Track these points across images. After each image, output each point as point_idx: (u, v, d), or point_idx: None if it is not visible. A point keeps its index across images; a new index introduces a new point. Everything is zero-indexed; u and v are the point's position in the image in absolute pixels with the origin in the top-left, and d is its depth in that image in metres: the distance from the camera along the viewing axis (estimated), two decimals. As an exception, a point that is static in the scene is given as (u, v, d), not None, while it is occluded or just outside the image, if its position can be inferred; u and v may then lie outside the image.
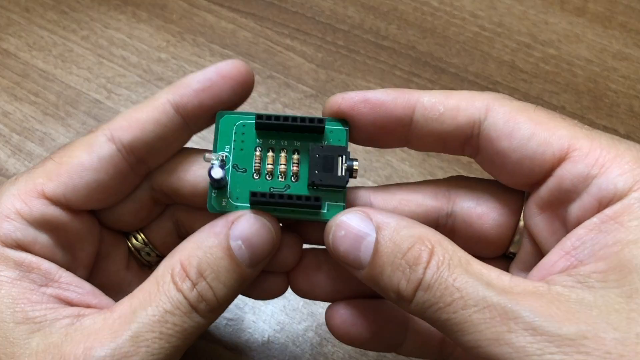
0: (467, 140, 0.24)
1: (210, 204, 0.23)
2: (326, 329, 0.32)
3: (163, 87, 0.41)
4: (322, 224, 0.23)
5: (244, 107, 0.40)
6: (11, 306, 0.21)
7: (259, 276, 0.26)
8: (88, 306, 0.23)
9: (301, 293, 0.27)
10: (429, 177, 0.38)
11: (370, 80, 0.43)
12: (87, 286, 0.24)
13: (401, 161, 0.39)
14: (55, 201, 0.23)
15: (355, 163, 0.24)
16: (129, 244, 0.28)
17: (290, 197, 0.22)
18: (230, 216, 0.23)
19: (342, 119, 0.24)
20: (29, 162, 0.37)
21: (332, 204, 0.24)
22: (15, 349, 0.21)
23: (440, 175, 0.38)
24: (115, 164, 0.24)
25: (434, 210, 0.25)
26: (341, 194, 0.24)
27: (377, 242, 0.21)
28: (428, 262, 0.20)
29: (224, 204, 0.23)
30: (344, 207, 0.24)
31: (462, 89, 0.43)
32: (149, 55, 0.43)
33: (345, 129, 0.24)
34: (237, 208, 0.23)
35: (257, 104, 0.41)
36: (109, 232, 0.27)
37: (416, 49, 0.45)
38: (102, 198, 0.24)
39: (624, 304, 0.18)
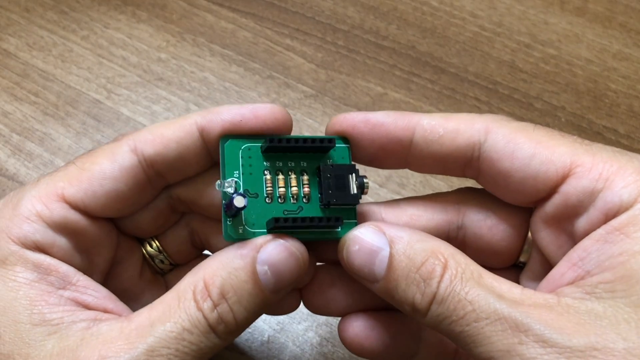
0: (467, 163, 0.24)
1: (227, 233, 0.23)
2: (326, 329, 0.32)
3: (163, 87, 0.41)
4: (335, 242, 0.24)
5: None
6: (29, 308, 0.21)
7: None
8: (105, 310, 0.23)
9: (315, 309, 0.27)
10: (429, 178, 0.38)
11: (370, 81, 0.43)
12: (103, 291, 0.24)
13: (401, 161, 0.39)
14: (74, 206, 0.23)
15: (365, 180, 0.24)
16: (144, 251, 0.28)
17: (312, 219, 0.22)
18: (260, 240, 0.22)
19: (343, 137, 0.25)
20: (29, 162, 0.37)
21: (345, 221, 0.24)
22: (31, 350, 0.21)
23: (440, 177, 0.38)
24: (135, 175, 0.24)
25: (444, 223, 0.25)
26: (352, 210, 0.24)
27: (391, 256, 0.21)
28: (442, 276, 0.20)
29: (240, 231, 0.23)
30: (356, 224, 0.24)
31: (462, 89, 0.43)
32: (149, 55, 0.43)
33: (347, 146, 0.25)
34: (254, 235, 0.23)
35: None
36: (125, 238, 0.27)
37: (416, 49, 0.45)
38: (119, 207, 0.24)
39: (632, 313, 0.18)
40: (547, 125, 0.41)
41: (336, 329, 0.32)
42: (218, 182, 0.23)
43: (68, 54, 0.42)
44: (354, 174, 0.24)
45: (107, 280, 0.26)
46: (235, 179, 0.23)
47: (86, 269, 0.24)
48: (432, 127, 0.24)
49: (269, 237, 0.22)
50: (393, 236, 0.22)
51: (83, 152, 0.38)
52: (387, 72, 0.43)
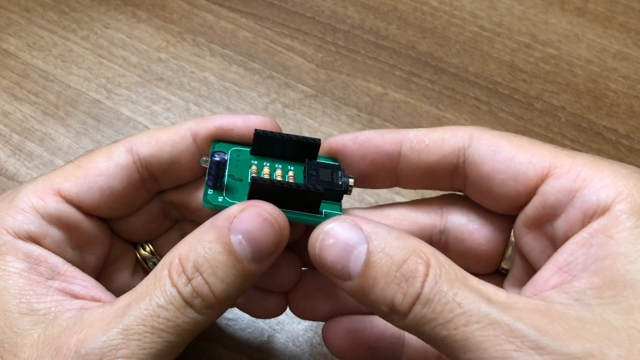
0: (454, 170, 0.24)
1: (206, 199, 0.23)
2: (326, 329, 0.32)
3: (163, 87, 0.41)
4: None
5: (244, 107, 0.40)
6: (17, 297, 0.22)
7: (258, 295, 0.27)
8: (93, 299, 0.23)
9: (300, 314, 0.27)
10: (429, 177, 0.38)
11: (370, 81, 0.43)
12: (91, 281, 0.24)
13: (401, 161, 0.39)
14: (69, 200, 0.24)
15: (351, 180, 0.24)
16: (137, 254, 0.28)
17: (290, 184, 0.22)
18: (232, 209, 0.22)
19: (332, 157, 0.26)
20: (29, 162, 0.37)
21: (329, 211, 0.24)
22: (19, 339, 0.21)
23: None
24: (129, 174, 0.24)
25: (427, 227, 0.26)
26: (337, 205, 0.24)
27: (369, 252, 0.20)
28: (426, 275, 0.19)
29: (220, 199, 0.23)
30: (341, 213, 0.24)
31: (462, 89, 0.43)
32: (149, 55, 0.43)
33: (337, 164, 0.25)
34: (233, 203, 0.23)
35: (257, 104, 0.41)
36: (118, 240, 0.27)
37: (416, 49, 0.45)
38: (112, 206, 0.25)
39: (622, 320, 0.18)
40: (547, 125, 0.41)
41: (336, 329, 0.32)
42: (203, 157, 0.23)
43: (68, 54, 0.42)
44: (339, 172, 0.24)
45: (99, 280, 0.26)
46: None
47: (77, 265, 0.24)
48: (418, 138, 0.25)
49: (242, 205, 0.22)
50: (370, 232, 0.21)
51: (83, 152, 0.38)
52: (387, 72, 0.43)
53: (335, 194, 0.24)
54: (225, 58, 0.43)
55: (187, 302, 0.21)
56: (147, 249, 0.28)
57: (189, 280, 0.21)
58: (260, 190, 0.22)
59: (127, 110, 0.40)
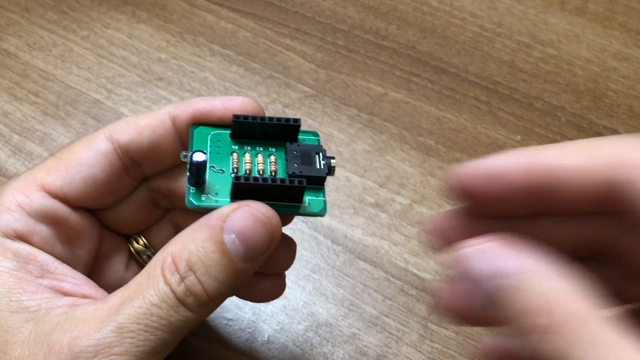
0: (607, 197, 0.18)
1: (189, 199, 0.23)
2: (326, 329, 0.32)
3: (163, 87, 0.41)
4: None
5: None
6: (7, 295, 0.22)
7: (255, 279, 0.26)
8: (84, 296, 0.23)
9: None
10: (429, 178, 0.38)
11: (370, 81, 0.43)
12: (82, 277, 0.24)
13: (401, 161, 0.39)
14: (53, 194, 0.24)
15: (332, 161, 0.24)
16: (130, 247, 0.28)
17: (273, 180, 0.22)
18: (226, 209, 0.22)
19: (313, 132, 0.25)
20: (29, 162, 0.37)
21: (313, 197, 0.24)
22: (9, 337, 0.21)
23: (440, 175, 0.38)
24: (111, 161, 0.24)
25: (585, 240, 0.20)
26: (321, 188, 0.24)
27: (519, 290, 0.16)
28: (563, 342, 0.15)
29: (203, 198, 0.23)
30: (325, 202, 0.24)
31: (462, 89, 0.43)
32: (149, 55, 0.43)
33: (317, 138, 0.25)
34: (217, 203, 0.23)
35: (257, 104, 0.41)
36: (110, 234, 0.27)
37: (416, 49, 0.45)
38: (97, 195, 0.25)
39: None
40: (547, 125, 0.41)
41: (336, 329, 0.32)
42: (183, 153, 0.23)
43: (68, 54, 0.42)
44: (320, 153, 0.24)
45: (92, 275, 0.26)
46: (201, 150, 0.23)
47: (68, 260, 0.24)
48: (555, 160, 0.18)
49: (235, 205, 0.22)
50: (525, 268, 0.17)
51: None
52: (387, 72, 0.43)
53: (317, 180, 0.24)
54: (225, 58, 0.43)
55: (180, 301, 0.21)
56: (141, 242, 0.28)
57: (182, 278, 0.21)
58: (243, 189, 0.22)
59: (127, 110, 0.40)
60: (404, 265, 0.35)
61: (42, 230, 0.24)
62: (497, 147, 0.40)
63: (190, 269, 0.21)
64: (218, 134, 0.25)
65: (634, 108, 0.43)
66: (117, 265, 0.27)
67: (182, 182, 0.25)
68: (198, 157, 0.22)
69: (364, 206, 0.37)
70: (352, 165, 0.38)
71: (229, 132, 0.25)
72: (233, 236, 0.21)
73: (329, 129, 0.40)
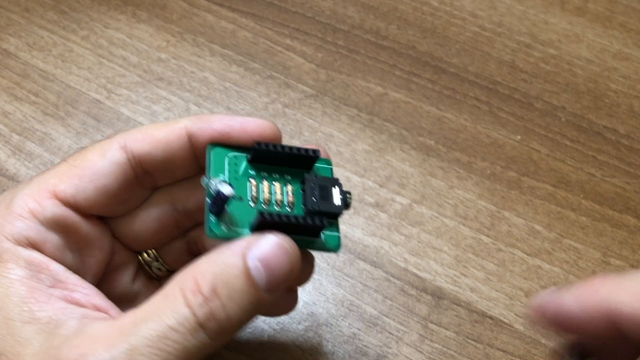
0: None
1: (210, 229, 0.22)
2: (326, 329, 0.32)
3: (163, 87, 0.41)
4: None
5: (244, 107, 0.40)
6: (19, 305, 0.21)
7: None
8: (94, 308, 0.23)
9: None
10: (429, 178, 0.38)
11: (370, 81, 0.43)
12: (92, 289, 0.23)
13: (401, 161, 0.39)
14: (65, 202, 0.23)
15: (349, 195, 0.24)
16: (140, 258, 0.28)
17: (296, 218, 0.22)
18: (249, 236, 0.22)
19: (326, 158, 0.26)
20: (29, 162, 0.37)
21: (328, 233, 0.24)
22: (20, 349, 0.21)
23: (440, 175, 0.38)
24: (124, 171, 0.24)
25: None
26: (335, 223, 0.24)
27: None
28: None
29: (224, 228, 0.23)
30: (339, 237, 0.24)
31: (462, 89, 0.43)
32: (149, 55, 0.43)
33: (330, 167, 0.26)
34: (237, 233, 0.23)
35: (257, 104, 0.41)
36: (122, 248, 0.27)
37: (416, 49, 0.45)
38: (108, 204, 0.24)
39: None
40: (547, 125, 0.41)
41: (336, 329, 0.32)
42: (204, 177, 0.23)
43: (68, 54, 0.42)
44: (337, 187, 0.24)
45: (99, 285, 0.25)
46: (222, 177, 0.23)
47: (78, 269, 0.24)
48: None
49: (260, 234, 0.22)
50: None
51: (83, 152, 0.38)
52: (387, 72, 0.43)
53: (334, 215, 0.24)
54: (225, 58, 0.43)
55: (201, 325, 0.20)
56: (151, 254, 0.28)
57: (206, 301, 0.20)
58: (267, 223, 0.22)
59: (127, 110, 0.40)
60: (404, 265, 0.35)
61: (54, 239, 0.23)
62: (497, 147, 0.40)
63: (215, 292, 0.20)
64: (235, 157, 0.24)
65: (634, 108, 0.43)
66: (124, 276, 0.27)
67: (200, 196, 0.25)
68: (226, 190, 0.22)
69: (364, 206, 0.37)
70: (352, 165, 0.38)
71: (245, 155, 0.24)
72: (258, 263, 0.21)
73: (329, 129, 0.40)
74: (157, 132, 0.24)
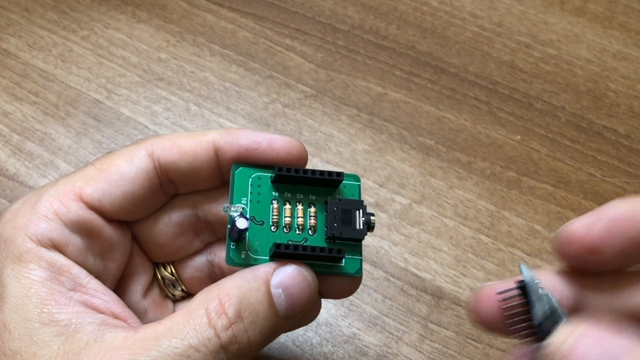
0: None
1: (229, 256, 0.23)
2: (326, 329, 0.32)
3: (163, 87, 0.41)
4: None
5: (244, 107, 0.40)
6: (39, 306, 0.21)
7: None
8: (113, 315, 0.23)
9: None
10: (429, 178, 0.38)
11: (370, 81, 0.43)
12: (112, 295, 0.23)
13: (401, 161, 0.39)
14: (91, 205, 0.23)
15: (372, 217, 0.24)
16: (157, 273, 0.28)
17: (313, 249, 0.22)
18: (273, 263, 0.22)
19: (354, 175, 0.25)
20: (29, 162, 0.37)
21: (349, 257, 0.24)
22: (37, 350, 0.21)
23: (440, 175, 0.38)
24: (150, 178, 0.24)
25: None
26: (358, 247, 0.24)
27: None
28: None
29: (243, 256, 0.23)
30: (361, 261, 0.24)
31: (462, 89, 0.43)
32: (149, 55, 0.43)
33: (358, 184, 0.25)
34: (256, 261, 0.23)
35: (257, 104, 0.41)
36: (140, 255, 0.27)
37: (416, 49, 0.45)
38: (132, 209, 0.25)
39: None
40: (547, 125, 0.41)
41: (336, 329, 0.32)
42: (225, 205, 0.23)
43: (68, 54, 0.42)
44: (361, 210, 0.24)
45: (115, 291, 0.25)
46: (243, 206, 0.24)
47: (99, 274, 0.24)
48: None
49: (283, 262, 0.22)
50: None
51: (83, 152, 0.38)
52: (387, 72, 0.43)
53: (355, 240, 0.24)
54: (225, 58, 0.43)
55: (223, 347, 0.20)
56: (169, 269, 0.27)
57: (231, 324, 0.20)
58: (283, 254, 0.22)
59: (127, 110, 0.40)
60: (403, 265, 0.35)
61: (77, 241, 0.23)
62: (497, 147, 0.40)
63: (240, 315, 0.21)
64: (259, 177, 0.24)
65: (634, 108, 0.43)
66: (136, 288, 0.27)
67: (220, 209, 0.25)
68: (241, 224, 0.22)
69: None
70: (352, 165, 0.38)
71: (270, 174, 0.24)
72: (280, 290, 0.21)
73: (329, 129, 0.40)
74: (185, 142, 0.24)
